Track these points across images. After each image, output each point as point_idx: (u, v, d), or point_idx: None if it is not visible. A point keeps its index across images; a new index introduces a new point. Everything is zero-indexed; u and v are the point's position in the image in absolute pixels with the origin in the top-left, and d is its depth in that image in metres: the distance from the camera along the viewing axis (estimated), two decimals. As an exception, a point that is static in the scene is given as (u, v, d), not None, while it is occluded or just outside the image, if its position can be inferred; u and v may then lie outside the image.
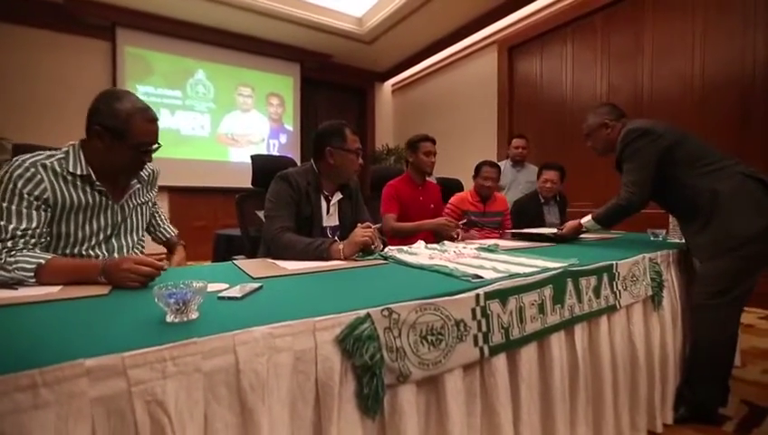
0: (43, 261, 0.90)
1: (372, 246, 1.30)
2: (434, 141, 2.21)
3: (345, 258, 1.23)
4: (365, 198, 1.70)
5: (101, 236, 1.13)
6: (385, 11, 4.53)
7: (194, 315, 0.65)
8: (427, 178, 2.32)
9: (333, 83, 6.20)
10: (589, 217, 1.70)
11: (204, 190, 4.94)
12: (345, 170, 1.50)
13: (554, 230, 1.88)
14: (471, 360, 0.84)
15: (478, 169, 2.44)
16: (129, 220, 1.22)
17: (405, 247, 1.50)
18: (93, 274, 0.87)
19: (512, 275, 0.99)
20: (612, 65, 3.69)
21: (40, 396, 0.45)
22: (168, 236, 1.43)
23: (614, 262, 1.24)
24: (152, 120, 1.10)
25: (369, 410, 0.68)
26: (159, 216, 1.44)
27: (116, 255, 1.16)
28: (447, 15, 4.52)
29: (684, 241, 1.64)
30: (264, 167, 1.97)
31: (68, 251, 1.08)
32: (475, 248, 1.49)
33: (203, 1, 4.32)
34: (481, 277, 0.97)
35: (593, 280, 1.16)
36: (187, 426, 0.53)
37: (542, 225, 2.49)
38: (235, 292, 0.80)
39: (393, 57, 5.79)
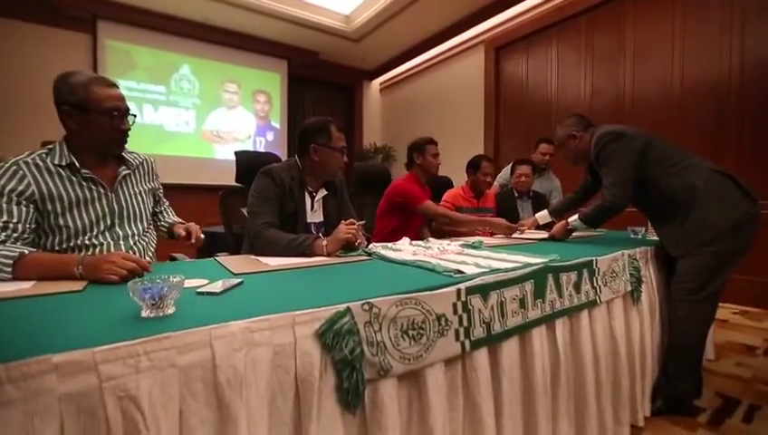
0: (26, 251, 0.88)
1: (356, 243, 1.29)
2: (437, 144, 2.25)
3: (328, 255, 1.23)
4: (350, 194, 1.70)
5: (102, 226, 1.13)
6: (372, 9, 4.52)
7: (170, 310, 0.64)
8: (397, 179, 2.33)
9: (321, 81, 6.16)
10: (575, 217, 1.74)
11: (188, 188, 4.85)
12: (330, 168, 1.49)
13: (545, 235, 1.92)
14: (452, 354, 0.85)
15: (477, 164, 2.40)
16: (129, 208, 1.21)
17: (389, 244, 1.50)
18: (71, 266, 0.86)
19: (493, 271, 1.00)
20: (596, 67, 3.76)
21: (4, 393, 0.44)
22: (168, 222, 1.42)
23: (594, 258, 1.27)
24: (110, 84, 1.12)
25: (350, 405, 0.68)
26: (165, 210, 1.44)
27: (121, 243, 1.16)
28: (435, 15, 4.54)
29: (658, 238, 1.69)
30: (249, 163, 1.94)
31: (71, 243, 1.08)
32: (459, 245, 1.50)
33: (188, -5, 4.24)
34: (463, 272, 0.97)
35: (574, 275, 1.18)
36: (162, 422, 0.52)
37: (517, 219, 2.52)
38: (215, 287, 0.79)
39: (381, 55, 5.78)
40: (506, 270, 1.02)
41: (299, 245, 1.24)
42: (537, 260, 1.15)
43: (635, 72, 3.47)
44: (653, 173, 1.54)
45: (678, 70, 3.15)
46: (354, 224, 1.29)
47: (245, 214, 1.61)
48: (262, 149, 5.44)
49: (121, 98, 1.13)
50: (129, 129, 1.17)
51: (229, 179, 2.10)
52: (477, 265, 1.06)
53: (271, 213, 1.38)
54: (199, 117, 5.05)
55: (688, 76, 3.10)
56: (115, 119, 1.10)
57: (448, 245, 1.51)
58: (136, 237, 1.21)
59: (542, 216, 2.01)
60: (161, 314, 0.62)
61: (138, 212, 1.24)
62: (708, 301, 1.47)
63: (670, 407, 1.50)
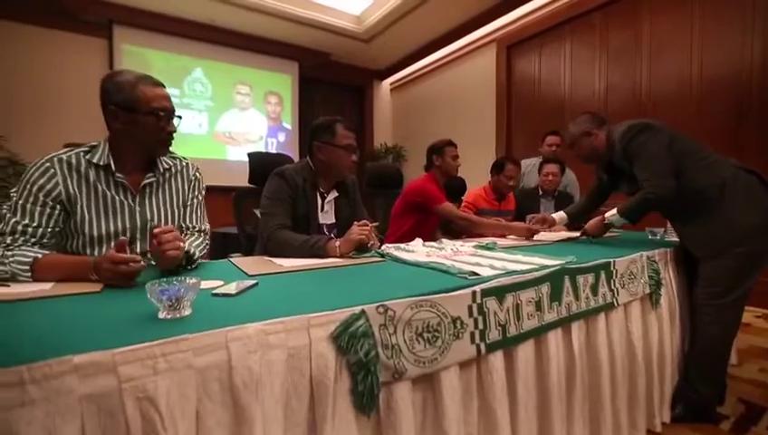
0: (39, 256, 0.89)
1: (369, 244, 1.28)
2: (456, 146, 2.24)
3: (341, 256, 1.22)
4: (361, 194, 1.69)
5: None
6: (383, 9, 4.52)
7: (187, 312, 0.64)
8: (412, 179, 2.33)
9: (332, 82, 6.18)
10: (614, 211, 1.62)
11: (202, 189, 4.92)
12: (336, 166, 1.48)
13: (576, 234, 1.87)
14: (468, 357, 0.84)
15: (501, 166, 2.35)
16: (150, 224, 1.12)
17: (402, 245, 1.49)
18: (86, 270, 0.86)
19: (509, 273, 0.99)
20: (611, 64, 3.68)
21: (27, 393, 0.44)
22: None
23: (612, 259, 1.24)
24: (158, 84, 1.10)
25: (365, 408, 0.68)
26: (189, 231, 1.23)
27: (143, 262, 1.07)
28: (446, 13, 4.51)
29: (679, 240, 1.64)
30: (262, 164, 1.96)
31: (92, 252, 1.05)
32: (473, 246, 1.48)
33: (200, -2, 4.30)
34: (478, 274, 0.96)
35: (591, 278, 1.16)
36: (179, 423, 0.52)
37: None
38: (230, 289, 0.79)
39: (392, 55, 5.77)
40: (522, 272, 1.00)
41: (312, 246, 1.24)
42: (553, 262, 1.13)
43: (651, 68, 3.39)
44: (680, 167, 1.46)
45: (697, 65, 3.06)
46: (367, 225, 1.27)
47: (258, 215, 1.62)
48: (273, 150, 5.48)
49: (168, 98, 1.11)
50: (175, 130, 1.14)
51: (241, 181, 2.11)
52: (492, 267, 1.05)
53: (284, 214, 1.38)
54: (212, 119, 5.12)
55: (707, 72, 3.01)
56: (161, 119, 1.08)
57: (462, 246, 1.50)
58: None
59: (560, 217, 1.95)
60: (178, 315, 0.63)
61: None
62: (735, 305, 1.42)
63: (691, 413, 1.45)
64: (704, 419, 1.45)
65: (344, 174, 1.53)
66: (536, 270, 1.03)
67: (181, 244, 0.96)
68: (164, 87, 1.11)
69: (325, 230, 1.50)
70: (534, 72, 4.36)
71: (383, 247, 1.39)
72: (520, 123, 4.46)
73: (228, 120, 5.24)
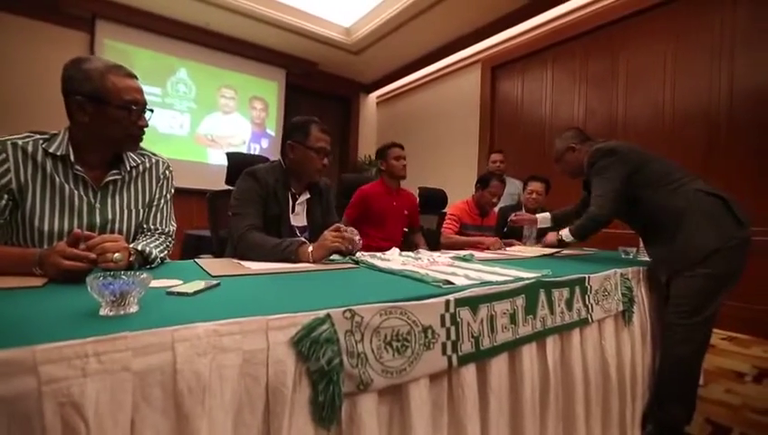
0: None
1: (345, 248, 1.21)
2: (402, 147, 2.25)
3: (314, 262, 1.17)
4: (336, 205, 1.66)
5: None
6: (373, 23, 4.58)
7: (132, 309, 0.58)
8: (403, 187, 2.31)
9: (318, 91, 6.19)
10: (566, 231, 1.74)
11: (179, 191, 4.76)
12: (306, 168, 1.45)
13: (540, 251, 1.91)
14: (438, 369, 0.80)
15: (486, 181, 2.36)
16: (115, 223, 1.05)
17: (378, 253, 1.46)
18: (29, 263, 0.79)
19: (484, 283, 0.96)
20: (590, 90, 3.82)
21: None
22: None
23: (586, 275, 1.24)
24: (130, 74, 1.02)
25: (324, 421, 0.62)
26: (149, 231, 1.14)
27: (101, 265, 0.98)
28: (434, 32, 4.61)
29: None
30: (241, 165, 1.88)
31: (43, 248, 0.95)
32: (450, 257, 1.46)
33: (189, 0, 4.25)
34: (452, 283, 0.93)
35: (566, 292, 1.14)
36: (108, 432, 0.46)
37: (520, 235, 2.49)
38: (187, 288, 0.74)
39: (379, 69, 5.84)
40: (498, 283, 0.98)
41: (284, 250, 1.18)
42: (529, 274, 1.11)
43: (627, 97, 3.53)
44: (643, 193, 1.55)
45: (670, 95, 3.21)
46: (340, 230, 1.22)
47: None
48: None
49: (141, 91, 1.03)
50: (147, 125, 1.06)
51: (220, 184, 2.05)
52: (467, 277, 1.02)
53: (254, 215, 1.33)
54: (194, 120, 5.01)
55: (679, 101, 3.16)
56: (133, 113, 1.00)
57: (439, 256, 1.47)
58: None
59: (543, 218, 2.02)
60: (122, 312, 0.57)
61: (124, 231, 1.08)
62: (703, 325, 1.44)
63: (661, 433, 1.45)
64: None
65: (313, 176, 1.50)
66: (511, 282, 1.01)
67: (116, 254, 0.81)
68: (136, 78, 1.04)
69: (297, 232, 1.45)
70: (517, 93, 4.47)
71: (358, 255, 1.35)
72: (502, 142, 4.55)
73: (211, 122, 5.14)
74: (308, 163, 1.43)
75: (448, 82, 5.24)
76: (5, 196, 0.92)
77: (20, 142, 0.95)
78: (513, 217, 2.06)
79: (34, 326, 0.51)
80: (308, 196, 1.52)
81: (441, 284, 0.93)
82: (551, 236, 1.87)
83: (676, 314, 1.45)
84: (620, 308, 1.36)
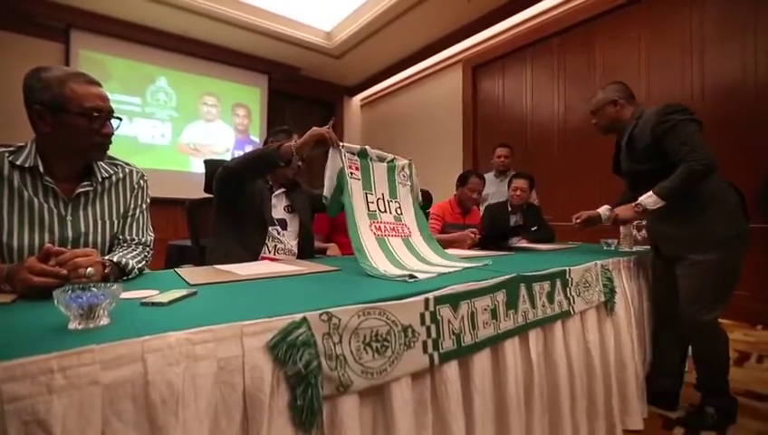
0: None
1: (329, 138, 1.28)
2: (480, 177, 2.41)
3: (296, 153, 1.27)
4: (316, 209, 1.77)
5: None
6: (353, 26, 4.59)
7: (103, 322, 0.57)
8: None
9: (302, 96, 6.17)
10: (648, 194, 1.49)
11: (162, 201, 4.69)
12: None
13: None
14: (420, 368, 0.80)
15: (465, 178, 2.38)
16: (88, 237, 1.02)
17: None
18: None
19: (440, 276, 1.05)
20: (568, 86, 3.89)
21: None
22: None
23: (567, 268, 1.26)
24: (91, 81, 0.99)
25: (305, 424, 0.62)
26: (124, 242, 1.11)
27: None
28: (414, 34, 4.64)
29: (634, 248, 1.70)
30: (220, 173, 1.88)
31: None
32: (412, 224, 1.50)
33: (166, 7, 4.20)
34: (416, 278, 0.99)
35: (546, 285, 1.16)
36: (77, 450, 0.45)
37: (507, 232, 2.51)
38: (162, 298, 0.73)
39: (362, 72, 5.85)
40: (450, 274, 1.07)
41: (267, 153, 1.30)
42: (468, 265, 1.25)
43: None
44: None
45: (645, 89, 3.28)
46: (326, 127, 1.30)
47: (213, 225, 1.55)
48: (240, 163, 5.35)
49: (104, 98, 1.00)
50: (113, 133, 1.03)
51: (202, 193, 2.03)
52: (425, 262, 1.14)
53: None
54: (176, 129, 4.95)
55: (655, 95, 3.23)
56: (95, 121, 0.97)
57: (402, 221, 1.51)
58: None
59: (604, 210, 1.79)
60: (92, 325, 0.56)
61: (99, 244, 1.05)
62: (721, 312, 1.48)
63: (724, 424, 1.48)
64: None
65: (282, 175, 1.61)
66: (492, 277, 1.02)
67: (89, 269, 0.78)
68: (100, 85, 1.02)
69: (275, 222, 1.55)
70: (498, 91, 4.53)
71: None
72: (485, 140, 4.60)
73: (193, 131, 5.08)
74: None
75: (431, 82, 5.28)
76: None
77: None
78: (576, 218, 1.83)
79: (5, 341, 0.50)
80: (282, 190, 1.63)
81: (406, 278, 0.99)
82: (625, 207, 1.61)
83: (698, 310, 1.47)
84: (602, 299, 1.38)
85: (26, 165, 0.95)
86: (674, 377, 1.68)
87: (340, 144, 1.31)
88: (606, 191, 3.38)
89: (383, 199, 1.40)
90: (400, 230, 1.38)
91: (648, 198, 1.49)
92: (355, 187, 1.30)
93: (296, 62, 5.57)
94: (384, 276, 1.03)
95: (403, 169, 1.54)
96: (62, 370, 0.45)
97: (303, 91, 6.11)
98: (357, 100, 6.60)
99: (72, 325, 0.56)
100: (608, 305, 1.40)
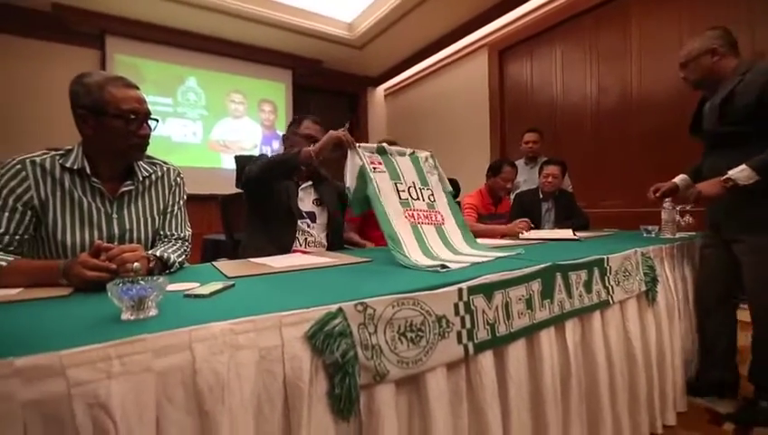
0: (4, 263, 0.85)
1: (345, 141, 1.31)
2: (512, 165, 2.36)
3: (315, 156, 1.32)
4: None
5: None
6: (374, 16, 4.54)
7: (152, 313, 0.60)
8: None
9: (326, 89, 6.19)
10: (742, 167, 1.29)
11: (196, 198, 4.86)
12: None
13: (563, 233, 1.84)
14: (455, 358, 0.80)
15: (498, 168, 2.30)
16: (133, 233, 1.08)
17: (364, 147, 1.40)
18: (54, 275, 0.82)
19: (473, 266, 1.04)
20: (602, 66, 3.69)
21: (-39, 399, 0.41)
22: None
23: (605, 256, 1.21)
24: (129, 85, 1.04)
25: (343, 412, 0.64)
26: (165, 237, 1.16)
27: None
28: (437, 19, 4.54)
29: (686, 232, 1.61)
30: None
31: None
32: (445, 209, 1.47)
33: (193, 8, 4.31)
34: (448, 268, 0.99)
35: (584, 274, 1.12)
36: (136, 431, 0.48)
37: (539, 221, 2.44)
38: (203, 290, 0.76)
39: (384, 62, 5.79)
40: (483, 264, 1.06)
41: (288, 160, 1.38)
42: (502, 254, 1.24)
43: (642, 70, 3.39)
44: None
45: (687, 65, 3.06)
46: (342, 130, 1.35)
47: (245, 220, 1.60)
48: (268, 158, 5.46)
49: (141, 100, 1.05)
50: (149, 134, 1.08)
51: (235, 188, 2.09)
52: (456, 253, 1.13)
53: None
54: (206, 127, 5.10)
55: (698, 72, 3.01)
56: (132, 123, 1.02)
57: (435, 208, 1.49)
58: None
59: (682, 179, 1.68)
60: (142, 316, 0.59)
61: (142, 239, 1.10)
62: None
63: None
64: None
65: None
66: (527, 266, 0.99)
67: (135, 264, 0.79)
68: (137, 89, 1.06)
69: (304, 215, 1.57)
70: (526, 75, 4.37)
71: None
72: (513, 126, 4.46)
73: (222, 128, 5.22)
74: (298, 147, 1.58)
75: (456, 69, 5.16)
76: (29, 212, 0.96)
77: (38, 160, 0.99)
78: (654, 191, 1.68)
79: (61, 333, 0.53)
80: (309, 183, 1.64)
81: (438, 268, 0.98)
82: (711, 181, 1.39)
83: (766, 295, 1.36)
84: (643, 288, 1.32)
85: (75, 167, 1.01)
86: (725, 368, 1.58)
87: (357, 145, 1.33)
88: (642, 174, 3.21)
89: (414, 188, 1.39)
90: (433, 218, 1.36)
91: (741, 172, 1.28)
92: (381, 179, 1.30)
93: (319, 56, 5.58)
94: (416, 266, 1.03)
95: (427, 159, 1.52)
96: (119, 357, 0.48)
97: (327, 85, 6.13)
98: (381, 90, 6.56)
99: (125, 316, 0.59)
100: (649, 295, 1.34)
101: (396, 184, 1.33)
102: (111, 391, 0.47)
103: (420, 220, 1.29)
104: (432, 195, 1.43)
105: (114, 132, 1.01)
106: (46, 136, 4.00)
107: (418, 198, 1.36)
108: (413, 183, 1.40)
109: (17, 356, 0.44)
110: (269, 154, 5.72)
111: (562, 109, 4.01)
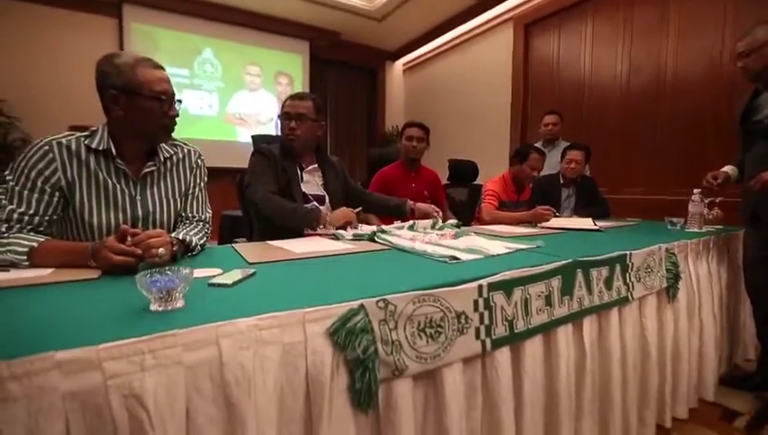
0: (35, 244, 0.88)
1: (351, 225, 1.43)
2: (419, 126, 2.21)
3: (325, 226, 1.39)
4: (363, 182, 1.78)
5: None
6: (396, -15, 4.35)
7: (179, 304, 0.62)
8: (434, 159, 2.29)
9: (343, 62, 6.04)
10: None
11: (212, 171, 4.92)
12: (282, 137, 1.61)
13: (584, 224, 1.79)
14: (472, 353, 0.81)
15: (525, 154, 2.20)
16: (156, 214, 1.10)
17: (387, 228, 1.46)
18: (83, 257, 0.85)
19: (488, 257, 1.04)
20: (635, 43, 3.48)
21: (7, 390, 0.43)
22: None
23: (627, 252, 1.18)
24: (157, 66, 1.05)
25: (362, 405, 0.65)
26: (187, 220, 1.19)
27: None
28: (461, -10, 4.32)
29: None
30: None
31: (88, 240, 1.02)
32: (455, 231, 1.47)
33: (209, -25, 4.20)
34: (458, 259, 0.99)
35: (605, 271, 1.10)
36: (168, 421, 0.50)
37: (559, 207, 2.39)
38: (227, 278, 0.77)
39: (404, 35, 5.59)
40: (499, 256, 1.06)
41: (304, 215, 1.41)
42: (523, 245, 1.21)
43: (679, 49, 3.19)
44: None
45: (730, 42, 2.86)
46: (355, 211, 1.47)
47: (254, 207, 1.62)
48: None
49: (169, 81, 1.06)
50: (178, 114, 1.10)
51: None
52: (471, 251, 1.08)
53: (271, 182, 1.50)
54: (222, 100, 5.08)
55: (741, 51, 2.82)
56: (164, 103, 1.04)
57: (444, 230, 1.48)
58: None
59: (732, 170, 1.68)
60: (170, 307, 0.61)
61: (165, 221, 1.13)
62: None
63: None
64: None
65: (285, 143, 1.61)
66: (547, 262, 0.98)
67: (160, 249, 0.85)
68: (164, 69, 1.07)
69: (310, 198, 1.58)
70: (553, 52, 4.17)
71: (370, 229, 1.40)
72: (536, 106, 4.30)
73: (238, 101, 5.19)
74: (282, 132, 1.59)
75: (478, 44, 4.95)
76: (57, 193, 0.98)
77: (64, 141, 1.00)
78: (713, 178, 1.65)
79: (95, 323, 0.55)
80: (315, 166, 1.65)
81: (447, 259, 0.99)
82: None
83: None
84: (664, 285, 1.30)
85: (100, 147, 1.02)
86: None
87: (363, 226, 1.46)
88: (671, 161, 3.09)
89: (425, 228, 1.53)
90: (447, 236, 1.36)
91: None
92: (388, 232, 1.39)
93: (337, 27, 5.42)
94: (425, 254, 1.06)
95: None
96: (151, 351, 0.50)
97: (345, 57, 5.98)
98: (399, 64, 6.37)
99: (153, 307, 0.61)
100: (670, 292, 1.32)
101: (406, 229, 1.49)
102: (145, 384, 0.49)
103: (433, 240, 1.28)
104: (444, 231, 1.47)
105: (147, 113, 1.03)
106: (65, 103, 4.05)
107: (429, 233, 1.41)
108: (423, 228, 1.52)
109: (57, 349, 0.46)
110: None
111: (590, 88, 3.83)
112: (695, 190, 1.73)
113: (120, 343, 0.49)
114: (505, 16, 4.49)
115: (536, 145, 2.61)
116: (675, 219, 1.81)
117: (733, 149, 1.77)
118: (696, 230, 1.66)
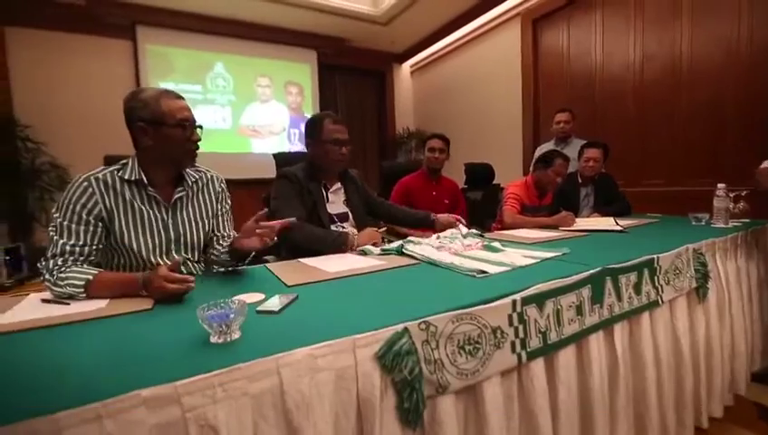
0: (90, 277, 0.94)
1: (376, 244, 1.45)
2: (440, 138, 2.30)
3: (353, 249, 1.41)
4: (379, 193, 1.82)
5: (158, 252, 1.15)
6: (401, -11, 4.37)
7: (236, 335, 0.67)
8: (450, 162, 2.35)
9: (351, 68, 6.10)
10: None
11: (228, 184, 5.04)
12: (326, 161, 1.57)
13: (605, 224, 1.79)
14: (508, 366, 0.84)
15: (550, 160, 2.16)
16: (187, 236, 1.19)
17: (412, 238, 1.49)
18: (135, 287, 0.91)
19: (516, 269, 1.06)
20: (647, 30, 3.43)
21: (104, 427, 0.48)
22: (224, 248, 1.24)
23: (655, 256, 1.19)
24: (178, 96, 1.14)
25: (410, 423, 0.69)
26: (221, 237, 1.28)
27: (182, 269, 1.14)
28: (467, -11, 4.32)
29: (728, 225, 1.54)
30: (287, 164, 1.97)
31: (134, 266, 1.12)
32: (482, 239, 1.50)
33: (217, -8, 4.30)
34: (486, 272, 1.02)
35: (633, 277, 1.11)
36: (239, 448, 0.55)
37: (577, 207, 2.38)
38: (272, 305, 0.82)
39: (411, 37, 5.61)
40: (527, 267, 1.08)
41: (333, 240, 1.42)
42: (550, 254, 1.23)
43: (693, 35, 3.13)
44: None
45: (747, 27, 2.80)
46: (379, 230, 1.52)
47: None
48: (296, 141, 5.52)
49: (189, 109, 1.15)
50: (200, 139, 1.18)
51: (265, 172, 2.17)
52: (501, 264, 1.10)
53: (299, 208, 1.49)
54: (235, 113, 5.19)
55: (759, 36, 2.76)
56: (187, 129, 1.12)
57: (471, 239, 1.50)
58: (193, 262, 1.24)
59: None
60: (228, 339, 0.65)
61: (195, 241, 1.22)
62: None
63: None
64: None
65: (334, 166, 1.60)
66: (576, 273, 1.00)
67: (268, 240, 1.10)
68: (183, 99, 1.16)
69: (335, 219, 1.60)
70: (562, 46, 4.13)
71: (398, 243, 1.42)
72: (548, 102, 4.27)
73: (251, 113, 5.29)
74: (326, 156, 1.55)
75: (486, 42, 4.93)
76: (100, 223, 1.07)
77: (100, 176, 1.08)
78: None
79: (166, 357, 0.60)
80: (339, 185, 1.65)
81: (476, 274, 1.01)
82: None
83: None
84: (693, 285, 1.29)
85: (133, 178, 1.11)
86: None
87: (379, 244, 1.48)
88: (689, 151, 3.03)
89: (450, 236, 1.51)
90: (473, 246, 1.38)
91: None
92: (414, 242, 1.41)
93: (343, 34, 5.48)
94: (452, 266, 1.09)
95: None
96: (221, 384, 0.55)
97: (352, 63, 6.03)
98: (406, 66, 6.39)
99: (213, 339, 0.65)
100: (699, 292, 1.32)
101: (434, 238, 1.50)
102: (218, 415, 0.54)
103: (460, 251, 1.30)
104: (469, 241, 1.47)
105: (173, 140, 1.10)
106: (82, 127, 4.18)
107: (454, 243, 1.43)
108: (449, 237, 1.52)
109: (141, 388, 0.50)
110: (297, 137, 5.71)
111: (602, 80, 3.79)
112: (719, 185, 1.71)
113: (194, 379, 0.53)
114: (512, 12, 4.46)
115: (544, 143, 2.60)
116: (699, 215, 1.79)
117: (754, 137, 1.74)
118: (722, 226, 1.65)
